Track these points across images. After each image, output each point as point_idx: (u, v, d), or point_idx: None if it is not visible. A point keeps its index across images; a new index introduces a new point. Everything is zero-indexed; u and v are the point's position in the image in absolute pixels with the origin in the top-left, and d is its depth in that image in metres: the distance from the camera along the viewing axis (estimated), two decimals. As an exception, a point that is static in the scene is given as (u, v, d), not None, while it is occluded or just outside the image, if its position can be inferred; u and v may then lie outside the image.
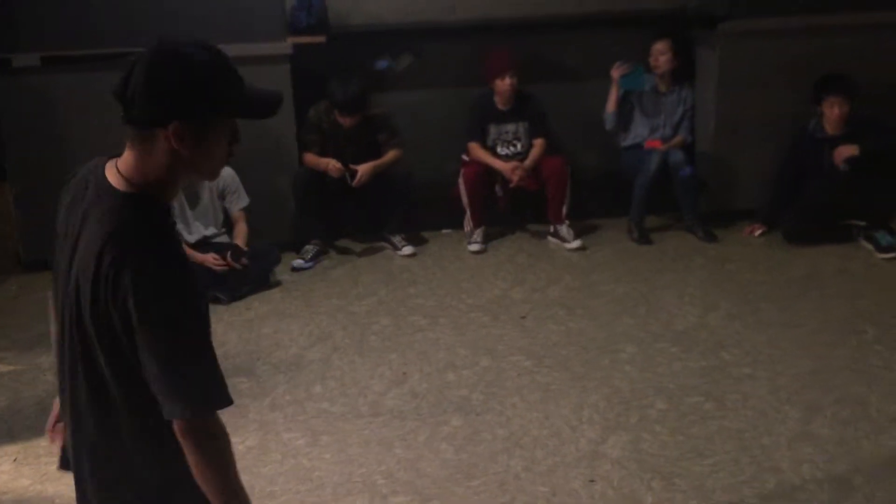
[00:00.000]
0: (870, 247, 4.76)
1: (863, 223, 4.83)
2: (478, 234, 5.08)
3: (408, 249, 5.02)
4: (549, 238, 5.12)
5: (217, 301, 4.38)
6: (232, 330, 4.18)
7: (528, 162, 5.02)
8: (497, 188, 5.12)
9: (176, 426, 1.50)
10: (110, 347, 1.49)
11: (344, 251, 5.12)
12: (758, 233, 5.07)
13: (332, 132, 4.88)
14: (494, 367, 3.76)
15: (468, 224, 5.12)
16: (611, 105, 5.11)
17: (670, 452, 3.11)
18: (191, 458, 1.51)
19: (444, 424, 3.34)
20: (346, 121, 4.81)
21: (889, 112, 4.83)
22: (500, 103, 5.06)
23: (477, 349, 3.92)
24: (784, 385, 3.52)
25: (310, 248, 4.94)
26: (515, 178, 4.96)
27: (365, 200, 4.98)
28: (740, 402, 3.42)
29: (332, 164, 4.79)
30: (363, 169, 4.83)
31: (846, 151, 4.71)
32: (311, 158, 4.89)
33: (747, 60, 5.00)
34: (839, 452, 3.08)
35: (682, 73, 5.19)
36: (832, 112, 4.74)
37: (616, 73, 5.07)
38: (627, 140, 5.23)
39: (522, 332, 4.08)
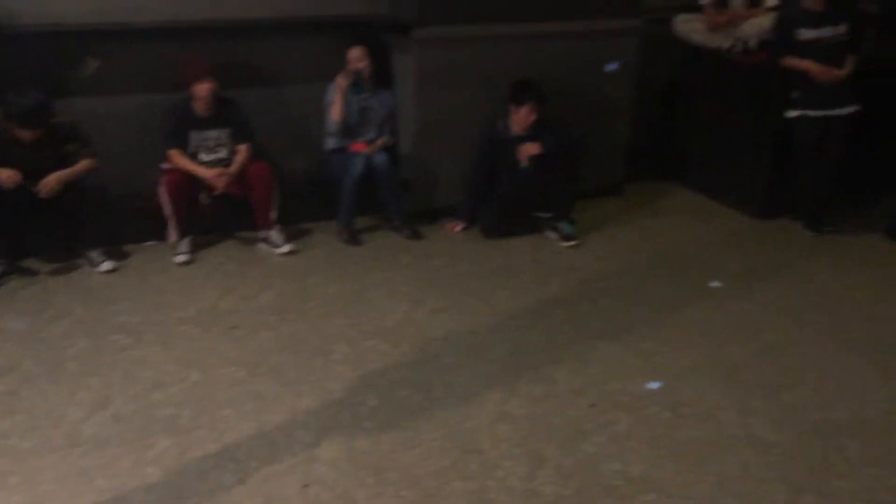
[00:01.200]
0: (555, 236, 5.23)
1: (548, 215, 5.30)
2: (184, 245, 4.89)
3: (107, 265, 4.71)
4: (260, 244, 5.06)
5: None
6: None
7: (232, 168, 4.91)
8: (201, 196, 4.96)
9: None
10: None
11: (31, 272, 4.69)
12: (458, 229, 5.37)
13: (10, 145, 4.44)
14: (205, 381, 3.65)
15: (173, 234, 4.91)
16: (337, 114, 5.13)
17: (382, 447, 3.21)
18: None
19: (150, 447, 3.19)
20: (26, 134, 4.40)
21: (559, 113, 5.32)
22: (199, 109, 4.90)
23: (186, 364, 3.78)
24: (484, 370, 3.77)
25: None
26: (220, 185, 4.84)
27: (54, 215, 4.59)
28: (445, 390, 3.61)
29: (3, 175, 4.37)
30: (48, 179, 4.46)
31: (530, 150, 5.12)
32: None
33: (441, 65, 5.25)
34: (533, 428, 3.36)
35: (381, 77, 5.35)
36: (528, 118, 5.10)
37: (343, 82, 5.10)
38: (333, 143, 5.29)
39: (234, 342, 3.99)
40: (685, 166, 6.17)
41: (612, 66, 5.33)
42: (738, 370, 3.81)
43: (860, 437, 3.34)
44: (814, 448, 3.28)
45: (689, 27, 5.83)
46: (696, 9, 5.82)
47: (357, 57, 5.16)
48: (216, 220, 5.11)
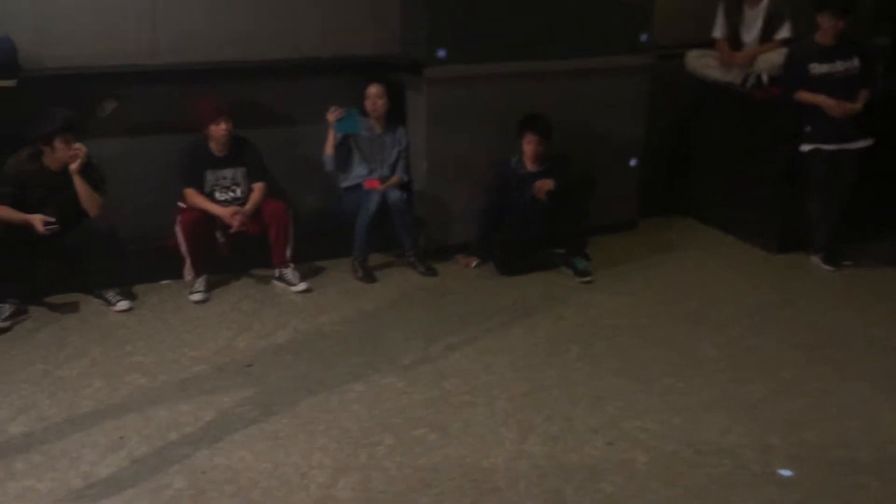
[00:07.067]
0: (569, 272, 5.22)
1: (562, 251, 5.29)
2: (199, 283, 4.91)
3: (123, 304, 4.73)
4: (275, 282, 5.08)
5: None
6: (-88, 410, 3.69)
7: (248, 206, 4.95)
8: (217, 234, 4.99)
9: None
10: None
11: (48, 311, 4.71)
12: (473, 265, 5.38)
13: (33, 183, 4.51)
14: (220, 421, 3.63)
15: (189, 273, 4.93)
16: (329, 148, 5.19)
17: (398, 487, 3.19)
18: None
19: (166, 488, 3.17)
20: (63, 154, 4.47)
21: (572, 150, 5.33)
22: (215, 149, 4.95)
23: (201, 404, 3.77)
24: (500, 409, 3.75)
25: (5, 308, 4.51)
26: (236, 223, 4.87)
27: (68, 255, 4.63)
28: (462, 429, 3.58)
29: (37, 220, 4.42)
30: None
31: (545, 186, 5.14)
32: (4, 212, 4.47)
33: (452, 103, 5.31)
34: (551, 466, 3.32)
35: (395, 115, 5.40)
36: (528, 148, 5.16)
37: (331, 117, 5.16)
38: (347, 181, 5.33)
39: (249, 381, 3.99)
40: (698, 201, 6.18)
41: None
42: (757, 407, 3.77)
43: (882, 475, 3.28)
44: (835, 486, 3.22)
45: (702, 63, 5.87)
46: (707, 44, 5.87)
47: (377, 94, 5.22)
48: (232, 258, 5.12)
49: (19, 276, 4.61)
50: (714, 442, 3.50)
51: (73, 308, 4.75)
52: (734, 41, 5.72)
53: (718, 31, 5.76)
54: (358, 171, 5.33)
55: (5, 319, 4.48)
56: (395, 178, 5.34)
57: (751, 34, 5.69)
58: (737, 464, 3.35)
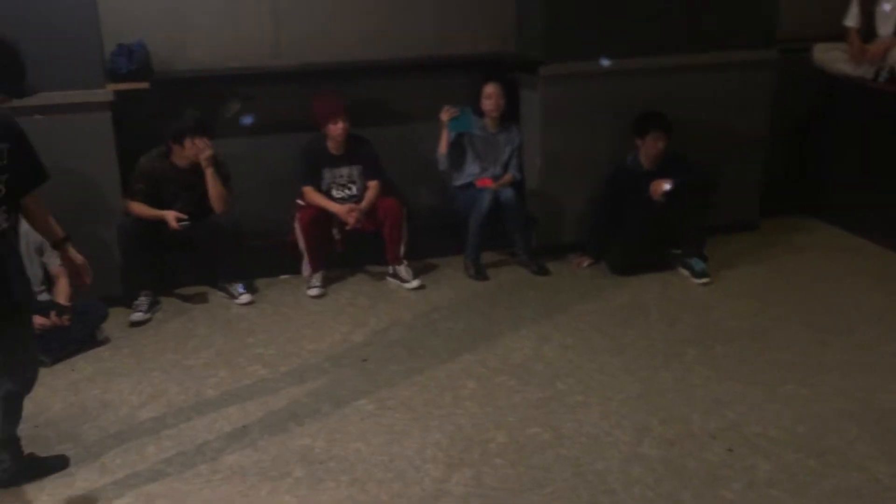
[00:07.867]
0: (686, 273, 5.09)
1: (679, 251, 5.17)
2: (317, 279, 5.05)
3: (245, 297, 4.91)
4: (389, 279, 5.16)
5: (40, 364, 4.09)
6: (55, 394, 3.94)
7: (363, 204, 5.04)
8: (334, 231, 5.11)
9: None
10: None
11: (177, 303, 4.94)
12: (585, 264, 5.32)
13: (164, 180, 4.75)
14: (337, 413, 3.72)
15: (306, 269, 5.07)
16: (443, 147, 5.24)
17: (511, 485, 3.19)
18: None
19: (286, 476, 3.27)
20: (194, 149, 4.68)
21: (690, 148, 5.20)
22: (332, 147, 5.07)
23: (319, 396, 3.88)
24: (614, 410, 3.69)
25: (144, 300, 4.75)
26: (352, 220, 4.97)
27: (195, 249, 4.84)
28: (575, 429, 3.55)
29: (171, 216, 4.65)
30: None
31: (662, 185, 5.02)
32: (139, 208, 4.72)
33: (567, 101, 5.26)
34: (667, 471, 3.25)
35: (509, 113, 5.39)
36: (654, 147, 5.04)
37: (445, 116, 5.21)
38: (460, 179, 5.36)
39: (364, 375, 4.07)
40: (824, 201, 5.91)
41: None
42: (888, 418, 3.58)
43: None
44: (978, 505, 3.04)
45: (830, 56, 5.61)
46: (834, 37, 5.61)
47: (493, 93, 5.23)
48: (347, 254, 5.23)
49: (152, 269, 4.85)
50: (841, 452, 3.35)
51: (200, 300, 4.97)
52: (868, 32, 5.43)
53: (851, 20, 5.48)
54: (471, 170, 5.35)
55: (146, 311, 4.72)
56: (507, 177, 5.34)
57: (888, 25, 5.38)
58: (866, 476, 3.20)
